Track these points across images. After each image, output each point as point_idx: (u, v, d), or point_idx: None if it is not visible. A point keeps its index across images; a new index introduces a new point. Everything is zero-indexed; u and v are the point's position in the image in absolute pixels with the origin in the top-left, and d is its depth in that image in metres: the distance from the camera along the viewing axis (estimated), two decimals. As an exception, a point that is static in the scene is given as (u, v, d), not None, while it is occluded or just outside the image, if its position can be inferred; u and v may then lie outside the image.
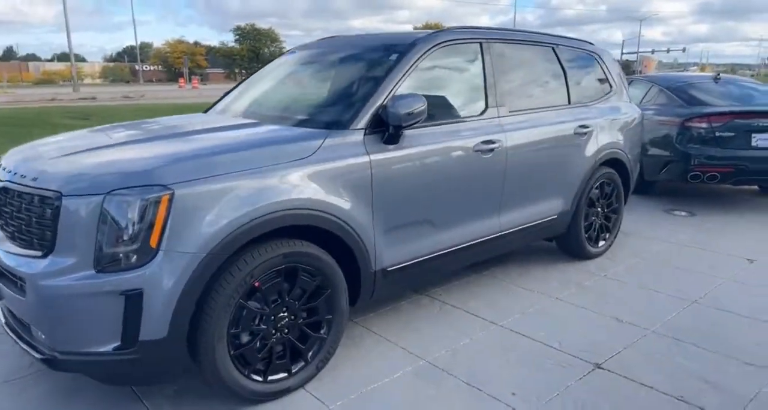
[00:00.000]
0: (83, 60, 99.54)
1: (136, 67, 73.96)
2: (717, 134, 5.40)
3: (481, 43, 3.28)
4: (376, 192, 2.59)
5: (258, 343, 2.30)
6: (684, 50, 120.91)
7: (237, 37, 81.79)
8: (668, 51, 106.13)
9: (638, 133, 4.55)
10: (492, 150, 3.14)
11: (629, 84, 7.26)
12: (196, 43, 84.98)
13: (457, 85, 3.28)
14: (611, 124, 4.12)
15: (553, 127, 3.59)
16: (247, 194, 2.15)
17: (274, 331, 2.34)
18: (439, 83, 3.18)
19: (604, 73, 4.28)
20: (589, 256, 4.16)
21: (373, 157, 2.57)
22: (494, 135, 3.17)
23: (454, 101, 3.20)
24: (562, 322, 3.15)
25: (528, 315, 3.25)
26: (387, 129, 2.63)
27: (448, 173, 2.94)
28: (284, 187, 2.26)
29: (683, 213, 5.58)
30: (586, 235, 4.09)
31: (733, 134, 5.39)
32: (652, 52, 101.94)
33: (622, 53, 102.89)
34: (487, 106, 3.23)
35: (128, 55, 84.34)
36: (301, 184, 2.32)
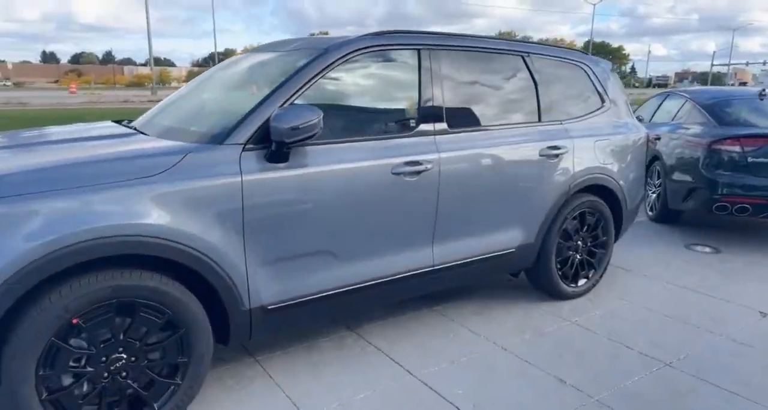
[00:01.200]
0: (172, 65, 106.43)
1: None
2: (750, 160, 4.64)
3: (419, 50, 2.88)
4: (250, 218, 2.26)
5: (84, 388, 2.02)
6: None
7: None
8: (765, 63, 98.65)
9: (639, 155, 3.93)
10: (419, 172, 2.72)
11: (665, 98, 6.54)
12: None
13: (381, 98, 2.88)
14: (598, 144, 3.56)
15: (509, 147, 3.11)
16: (57, 218, 1.88)
17: (105, 374, 2.05)
18: (358, 95, 2.80)
19: (594, 86, 3.72)
20: (564, 296, 3.61)
21: (248, 177, 2.24)
22: (424, 155, 2.75)
23: (375, 116, 2.81)
24: (490, 378, 2.67)
25: (456, 366, 2.79)
26: (270, 145, 2.29)
27: (355, 198, 2.55)
28: (112, 209, 1.97)
29: (706, 250, 4.83)
30: (561, 272, 3.55)
31: (766, 160, 4.61)
32: (747, 64, 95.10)
33: (713, 65, 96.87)
34: (419, 122, 2.82)
35: (213, 60, 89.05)
36: (140, 207, 2.02)
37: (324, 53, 2.58)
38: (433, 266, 2.91)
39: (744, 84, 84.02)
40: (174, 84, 77.46)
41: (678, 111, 5.82)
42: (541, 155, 3.23)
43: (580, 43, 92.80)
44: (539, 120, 3.34)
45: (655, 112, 6.48)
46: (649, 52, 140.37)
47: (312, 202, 2.42)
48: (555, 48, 3.63)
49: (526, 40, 3.48)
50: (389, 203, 2.66)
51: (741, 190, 4.66)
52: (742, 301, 3.66)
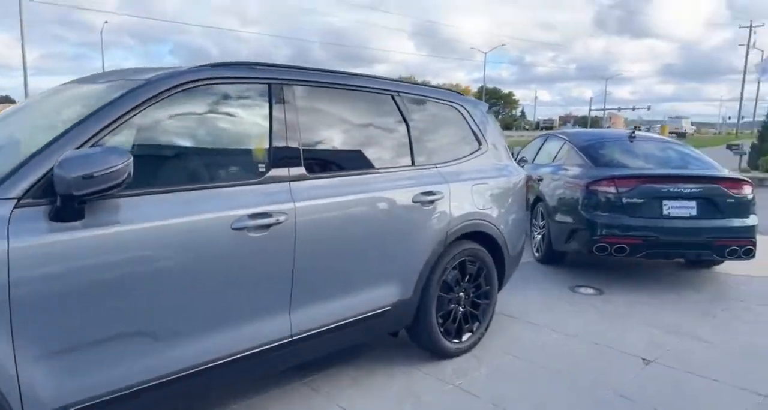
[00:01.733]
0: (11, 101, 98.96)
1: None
2: (624, 200, 4.71)
3: (270, 85, 2.51)
4: (20, 296, 1.70)
5: None
6: (648, 108, 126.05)
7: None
8: (633, 109, 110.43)
9: (519, 198, 3.80)
10: (268, 226, 2.30)
11: (545, 139, 6.69)
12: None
13: (222, 139, 2.46)
14: (476, 188, 3.36)
15: (379, 194, 2.79)
16: None
17: None
18: (192, 135, 2.36)
19: (471, 128, 3.56)
20: (448, 354, 3.29)
21: (19, 242, 1.70)
22: (276, 205, 2.35)
23: (213, 159, 2.39)
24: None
25: (318, 457, 2.32)
26: (55, 199, 1.78)
27: (179, 262, 2.07)
28: None
29: (590, 291, 4.79)
30: (443, 328, 3.24)
31: (642, 201, 4.70)
32: (618, 109, 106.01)
33: (590, 110, 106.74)
34: (270, 167, 2.42)
35: None
36: None
37: (144, 85, 2.14)
38: (292, 336, 2.47)
39: (637, 129, 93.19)
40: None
41: (558, 152, 5.93)
42: (414, 202, 2.95)
43: (474, 88, 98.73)
44: (412, 164, 3.07)
45: (537, 153, 6.60)
46: (536, 97, 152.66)
47: (118, 270, 1.91)
48: (428, 88, 3.44)
49: (396, 79, 3.22)
50: (228, 265, 2.21)
51: (618, 231, 4.70)
52: (625, 347, 3.55)
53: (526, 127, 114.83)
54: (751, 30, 53.12)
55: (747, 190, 4.77)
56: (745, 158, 19.79)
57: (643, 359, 3.38)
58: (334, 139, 2.76)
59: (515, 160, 7.22)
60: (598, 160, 5.22)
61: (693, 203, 4.69)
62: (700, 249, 4.71)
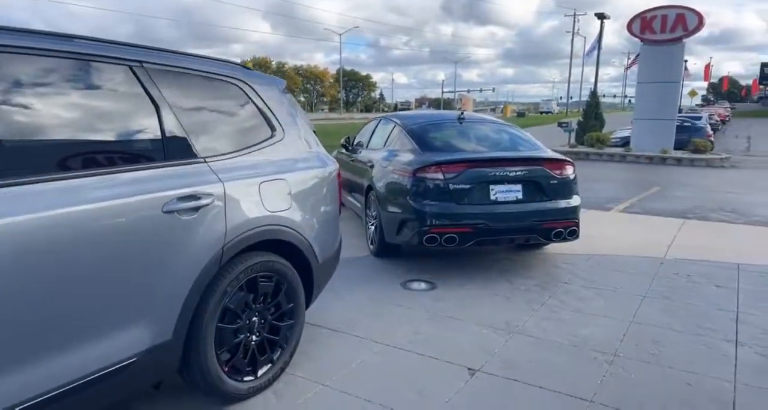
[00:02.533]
0: None
1: None
2: (452, 187, 4.38)
3: None
4: None
5: None
6: (494, 90, 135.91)
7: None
8: (480, 91, 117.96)
9: (330, 194, 3.22)
10: None
11: (378, 122, 6.24)
12: None
13: None
14: (267, 186, 2.70)
15: (108, 204, 1.99)
16: None
17: None
18: None
19: (260, 110, 2.87)
20: (239, 397, 2.62)
21: None
22: None
23: None
24: None
25: None
26: None
27: None
28: None
29: (422, 286, 4.43)
30: (229, 366, 2.56)
31: (469, 186, 4.41)
32: (468, 91, 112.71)
33: (443, 92, 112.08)
34: None
35: None
36: None
37: None
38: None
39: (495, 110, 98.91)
40: None
41: (389, 136, 5.49)
42: (166, 211, 2.19)
43: (333, 70, 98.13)
44: (165, 159, 2.30)
45: (371, 137, 6.13)
46: (393, 80, 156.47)
47: None
48: (191, 58, 2.65)
49: (140, 45, 2.39)
50: None
51: (447, 220, 4.36)
52: (452, 356, 3.16)
53: (385, 108, 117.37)
54: (575, 18, 58.90)
55: (569, 170, 4.70)
56: (573, 134, 21.73)
57: (469, 369, 3.01)
58: (34, 127, 1.89)
59: (351, 144, 6.78)
60: (426, 145, 4.85)
61: (519, 186, 4.50)
62: (528, 233, 4.55)
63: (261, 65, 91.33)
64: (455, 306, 3.98)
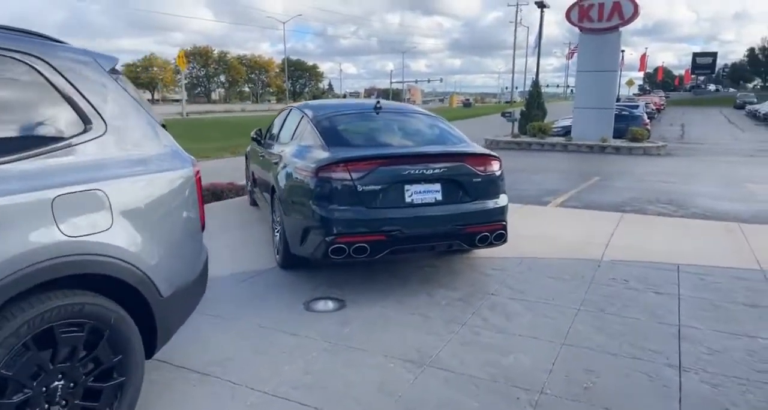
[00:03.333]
0: None
1: None
2: (361, 188, 3.74)
3: None
4: None
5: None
6: (441, 80, 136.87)
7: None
8: (428, 81, 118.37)
9: (184, 205, 2.51)
10: None
11: (288, 113, 5.52)
12: None
13: None
14: (69, 202, 1.96)
15: None
16: None
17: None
18: None
19: (63, 95, 2.12)
20: None
21: None
22: None
23: None
24: None
25: None
26: None
27: None
28: None
29: (329, 306, 3.78)
30: (11, 455, 1.83)
31: (381, 187, 3.78)
32: (416, 82, 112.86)
33: (391, 82, 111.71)
34: None
35: None
36: None
37: None
38: None
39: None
40: None
41: (296, 129, 4.79)
42: None
43: (279, 60, 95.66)
44: None
45: (280, 130, 5.41)
46: (341, 70, 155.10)
47: None
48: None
49: None
50: None
51: (356, 227, 3.73)
52: (341, 406, 2.54)
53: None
54: (518, 8, 59.40)
55: (494, 167, 4.15)
56: (517, 124, 21.61)
57: (361, 425, 2.40)
58: None
59: (263, 136, 6.03)
60: (334, 139, 4.18)
61: (437, 186, 3.91)
62: (450, 240, 3.97)
63: (202, 54, 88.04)
64: (362, 331, 3.35)
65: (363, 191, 3.73)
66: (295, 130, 4.79)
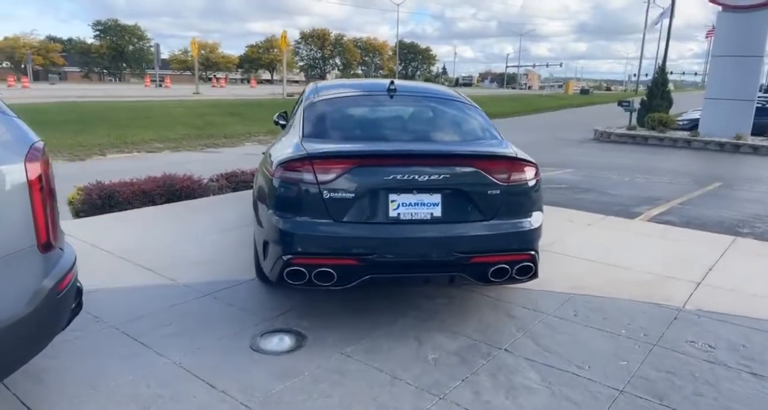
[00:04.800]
0: None
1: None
2: (328, 195, 2.83)
3: None
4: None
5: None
6: (561, 65, 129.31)
7: (97, 32, 74.01)
8: (547, 65, 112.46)
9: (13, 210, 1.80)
10: None
11: (302, 94, 4.69)
12: (51, 39, 75.79)
13: None
14: None
15: None
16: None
17: None
18: None
19: None
20: None
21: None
22: None
23: None
24: None
25: None
26: None
27: None
28: None
29: (284, 343, 2.94)
30: None
31: (354, 195, 2.84)
32: (534, 66, 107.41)
33: (507, 66, 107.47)
34: None
35: None
36: None
37: None
38: None
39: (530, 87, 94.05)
40: None
41: (294, 113, 3.97)
42: None
43: (393, 42, 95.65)
44: None
45: (288, 115, 4.60)
46: (455, 53, 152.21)
47: None
48: None
49: None
50: None
51: (319, 246, 2.84)
52: None
53: (446, 83, 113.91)
54: (653, -13, 53.54)
55: (524, 175, 3.03)
56: (635, 115, 19.15)
57: None
58: None
59: (287, 120, 5.26)
60: (314, 128, 3.30)
61: (436, 197, 2.89)
62: (449, 271, 2.96)
63: (319, 37, 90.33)
64: (298, 391, 2.48)
65: (332, 199, 2.82)
66: (294, 115, 3.97)
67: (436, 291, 3.65)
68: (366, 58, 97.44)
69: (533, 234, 3.04)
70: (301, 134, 3.23)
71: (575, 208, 6.43)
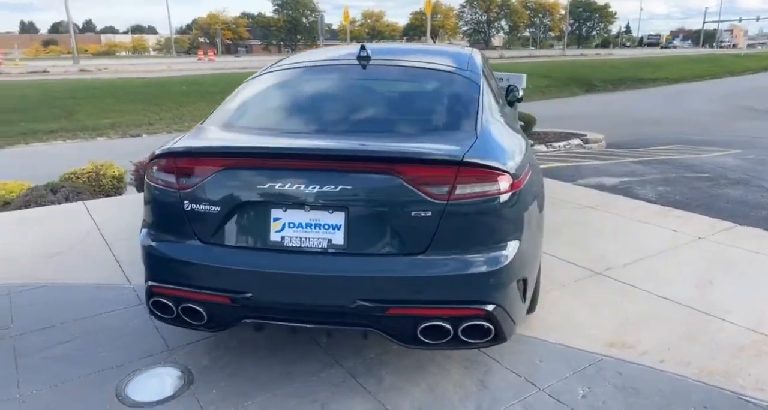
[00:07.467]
0: (155, 32, 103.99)
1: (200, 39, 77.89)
2: (189, 207, 2.07)
3: None
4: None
5: None
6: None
7: (276, 7, 79.83)
8: (757, 19, 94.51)
9: None
10: None
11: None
12: (245, 14, 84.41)
13: None
14: None
15: None
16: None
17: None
18: None
19: None
20: None
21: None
22: None
23: None
24: None
25: None
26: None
27: None
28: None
29: (165, 389, 2.30)
30: None
31: (221, 208, 2.03)
32: (740, 20, 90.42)
33: (704, 22, 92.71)
34: None
35: (194, 28, 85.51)
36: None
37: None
38: None
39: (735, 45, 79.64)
40: (151, 53, 77.44)
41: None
42: None
43: (564, 1, 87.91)
44: None
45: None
46: (641, 9, 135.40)
47: None
48: None
49: None
50: None
51: (183, 275, 2.11)
52: None
53: (627, 43, 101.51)
54: None
55: (482, 188, 1.92)
56: None
57: None
58: None
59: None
60: (229, 109, 2.51)
61: (339, 218, 1.95)
62: (357, 324, 2.02)
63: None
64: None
65: (194, 212, 2.06)
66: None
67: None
68: (534, 19, 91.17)
69: (495, 278, 1.95)
70: (202, 122, 2.48)
71: (701, 209, 4.76)
